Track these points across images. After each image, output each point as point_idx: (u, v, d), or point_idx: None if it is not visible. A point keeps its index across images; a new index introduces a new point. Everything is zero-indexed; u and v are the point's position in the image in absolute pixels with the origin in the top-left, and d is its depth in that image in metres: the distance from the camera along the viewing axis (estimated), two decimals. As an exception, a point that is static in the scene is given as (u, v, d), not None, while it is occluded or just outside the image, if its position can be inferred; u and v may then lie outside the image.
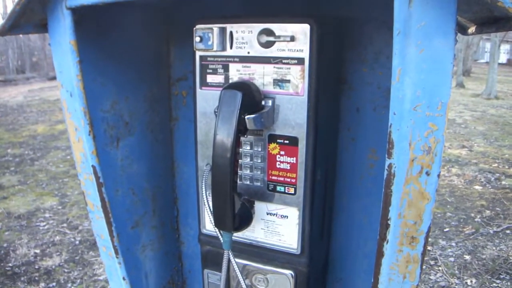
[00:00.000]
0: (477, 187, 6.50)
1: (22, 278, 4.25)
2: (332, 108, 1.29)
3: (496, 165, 7.54)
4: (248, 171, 1.21)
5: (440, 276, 4.29)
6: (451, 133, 9.83)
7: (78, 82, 1.12)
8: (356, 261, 1.46)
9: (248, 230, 1.26)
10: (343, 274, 1.51)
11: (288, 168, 1.15)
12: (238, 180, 1.19)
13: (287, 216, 1.20)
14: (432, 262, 4.43)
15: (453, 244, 4.86)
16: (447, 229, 5.17)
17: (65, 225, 5.38)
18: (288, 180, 1.16)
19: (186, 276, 1.80)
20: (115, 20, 1.31)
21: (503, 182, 6.68)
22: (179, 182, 1.65)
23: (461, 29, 1.12)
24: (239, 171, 1.20)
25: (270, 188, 1.20)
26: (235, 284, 1.34)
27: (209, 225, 1.33)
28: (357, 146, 1.35)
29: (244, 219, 1.19)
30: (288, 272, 1.25)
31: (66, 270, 4.42)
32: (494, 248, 4.76)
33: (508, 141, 9.21)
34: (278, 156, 1.16)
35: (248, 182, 1.22)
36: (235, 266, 1.20)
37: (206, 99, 1.21)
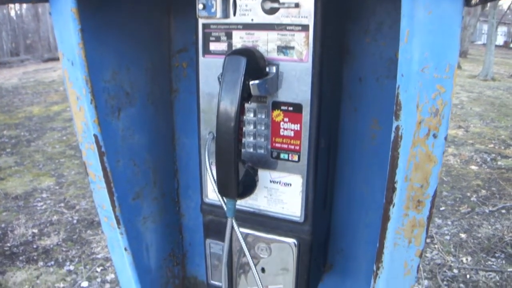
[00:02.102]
0: (473, 167, 6.53)
1: (21, 258, 4.27)
2: (335, 76, 1.29)
3: (492, 145, 7.57)
4: (251, 139, 1.20)
5: (436, 254, 4.33)
6: (448, 114, 9.83)
7: (80, 51, 1.11)
8: (357, 232, 1.47)
9: (251, 198, 1.26)
10: (344, 245, 1.51)
11: (292, 135, 1.15)
12: (242, 148, 1.19)
13: (290, 184, 1.20)
14: (428, 240, 4.46)
15: (449, 222, 4.90)
16: (443, 208, 5.20)
17: (62, 204, 5.39)
18: (292, 147, 1.16)
19: (186, 249, 1.80)
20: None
21: (499, 163, 6.71)
22: (180, 154, 1.64)
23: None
24: (242, 139, 1.19)
25: (273, 156, 1.19)
26: (237, 254, 1.34)
27: (211, 194, 1.32)
28: (359, 116, 1.35)
29: (248, 186, 1.19)
30: (291, 240, 1.25)
31: (64, 249, 4.44)
32: (489, 227, 4.80)
33: (504, 122, 9.23)
34: (282, 123, 1.15)
35: (251, 150, 1.21)
36: (239, 234, 1.20)
37: (209, 67, 1.20)
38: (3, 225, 4.89)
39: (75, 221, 4.98)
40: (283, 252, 1.28)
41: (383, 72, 1.29)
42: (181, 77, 1.56)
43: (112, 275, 4.01)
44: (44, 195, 5.68)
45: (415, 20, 0.82)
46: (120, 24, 1.34)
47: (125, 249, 1.37)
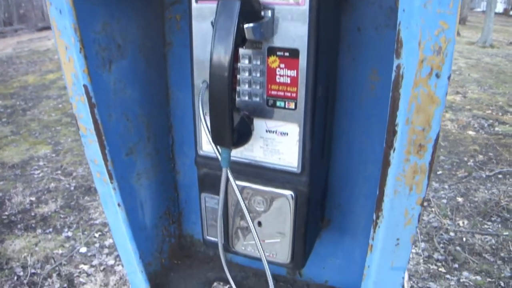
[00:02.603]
0: (470, 132, 6.53)
1: (19, 226, 4.29)
2: (333, 24, 1.23)
3: (489, 111, 7.56)
4: (246, 87, 1.16)
5: (433, 217, 4.36)
6: (446, 80, 9.79)
7: (68, -3, 1.06)
8: (356, 186, 1.44)
9: (247, 149, 1.23)
10: (343, 200, 1.49)
11: (289, 82, 1.10)
12: (236, 96, 1.14)
13: (287, 133, 1.16)
14: (425, 204, 4.48)
15: (446, 186, 4.91)
16: (440, 172, 5.21)
17: (59, 172, 5.40)
18: (289, 94, 1.12)
19: (182, 207, 1.78)
20: None
21: (496, 128, 6.71)
22: (174, 109, 1.60)
23: None
24: (237, 87, 1.15)
25: (269, 104, 1.15)
26: (233, 206, 1.32)
27: (206, 146, 1.29)
28: (358, 66, 1.30)
29: (243, 134, 1.15)
30: (288, 192, 1.22)
31: (62, 216, 4.46)
32: (486, 191, 4.83)
33: (502, 89, 9.20)
34: (278, 69, 1.10)
35: (246, 98, 1.17)
36: (234, 185, 1.17)
37: (202, 13, 1.15)
38: (0, 194, 4.91)
39: (72, 188, 4.99)
40: (280, 205, 1.25)
41: (383, 21, 1.24)
42: (174, 30, 1.51)
43: (111, 240, 4.03)
44: (41, 163, 5.68)
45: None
46: (109, -28, 1.28)
47: (118, 205, 1.34)
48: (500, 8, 30.82)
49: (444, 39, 0.80)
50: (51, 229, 4.25)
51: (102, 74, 1.30)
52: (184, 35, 1.49)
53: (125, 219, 1.37)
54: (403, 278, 1.11)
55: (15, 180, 5.21)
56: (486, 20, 15.38)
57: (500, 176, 5.18)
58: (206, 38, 1.16)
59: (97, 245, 4.00)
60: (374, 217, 1.02)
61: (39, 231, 4.22)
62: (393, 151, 0.91)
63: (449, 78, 0.82)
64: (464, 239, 4.02)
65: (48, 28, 22.84)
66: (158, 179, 1.61)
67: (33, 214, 4.51)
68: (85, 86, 1.17)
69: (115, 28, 1.34)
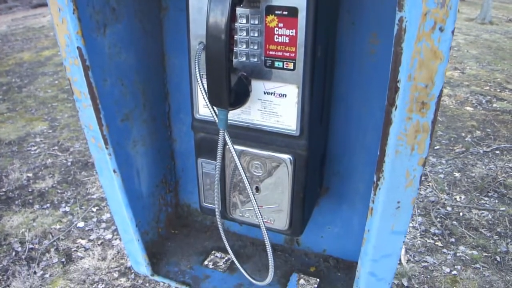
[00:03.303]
0: (468, 108, 6.51)
1: (17, 202, 4.29)
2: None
3: (487, 88, 7.52)
4: (244, 47, 1.12)
5: (430, 192, 4.37)
6: (444, 56, 9.73)
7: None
8: (355, 153, 1.42)
9: (244, 112, 1.20)
10: (341, 167, 1.47)
11: (287, 41, 1.07)
12: (233, 57, 1.12)
13: (285, 95, 1.14)
14: (422, 178, 4.49)
15: (443, 161, 4.91)
16: (437, 147, 5.20)
17: (56, 148, 5.37)
18: (287, 54, 1.09)
19: (179, 176, 1.76)
20: None
21: (494, 105, 6.68)
22: (170, 76, 1.57)
23: None
24: (234, 48, 1.12)
25: (267, 64, 1.12)
26: (230, 172, 1.30)
27: (203, 110, 1.26)
28: (357, 30, 1.27)
29: (240, 95, 1.13)
30: (287, 156, 1.20)
31: (59, 191, 4.46)
32: (483, 167, 4.82)
33: (501, 65, 9.14)
34: (276, 29, 1.07)
35: (244, 59, 1.14)
36: (231, 147, 1.15)
37: (198, -28, 1.11)
38: None
39: (69, 163, 4.97)
40: (278, 169, 1.23)
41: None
42: (170, -7, 1.48)
43: (108, 215, 4.03)
44: (37, 139, 5.65)
45: None
46: None
47: (114, 171, 1.32)
48: (499, -15, 30.51)
49: (448, -10, 0.77)
50: (48, 205, 4.24)
51: (96, 38, 1.26)
52: (181, -1, 1.45)
53: (121, 186, 1.35)
54: (403, 242, 1.10)
55: (12, 157, 5.18)
56: (485, -4, 15.24)
57: (497, 152, 5.17)
58: (203, -1, 1.13)
59: (94, 219, 4.00)
60: (375, 179, 1.00)
61: (36, 206, 4.22)
62: (395, 109, 0.89)
63: (452, 32, 0.79)
64: (461, 213, 4.03)
65: (43, 5, 22.56)
66: (154, 147, 1.59)
67: (30, 190, 4.50)
68: (78, 48, 1.14)
69: (110, -9, 1.30)
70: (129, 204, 1.40)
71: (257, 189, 1.29)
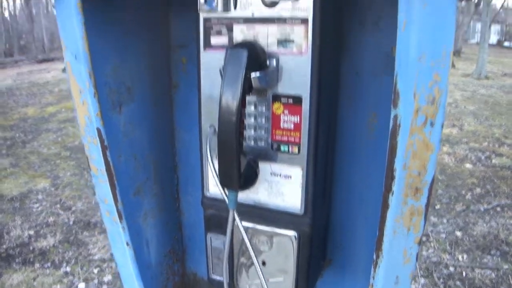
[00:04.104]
0: (467, 165, 6.57)
1: (17, 260, 4.27)
2: (333, 70, 1.30)
3: (486, 144, 7.61)
4: (252, 132, 1.22)
5: (432, 252, 4.35)
6: (442, 113, 9.87)
7: (83, 44, 1.12)
8: (357, 226, 1.48)
9: (252, 191, 1.27)
10: (344, 239, 1.53)
11: (292, 127, 1.16)
12: (242, 141, 1.20)
13: (290, 176, 1.22)
14: (424, 238, 4.49)
15: (444, 221, 4.92)
16: (438, 207, 5.23)
17: (58, 206, 5.39)
18: (292, 139, 1.18)
19: (186, 245, 1.81)
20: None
21: (493, 161, 6.75)
22: (180, 149, 1.66)
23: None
24: (243, 132, 1.21)
25: (274, 148, 1.21)
26: (238, 247, 1.36)
27: (212, 188, 1.34)
28: (357, 110, 1.37)
29: (249, 178, 1.21)
30: (292, 233, 1.27)
31: (60, 251, 4.44)
32: (484, 225, 4.83)
33: (498, 120, 9.29)
34: (282, 115, 1.17)
35: (252, 143, 1.23)
36: (240, 226, 1.22)
37: (210, 61, 1.21)
38: None
39: (71, 223, 4.98)
40: (283, 245, 1.29)
41: (380, 66, 1.31)
42: (180, 72, 1.58)
43: (109, 276, 4.01)
44: (40, 197, 5.67)
45: (412, 12, 0.84)
46: (120, 18, 1.35)
47: (127, 244, 1.38)
48: (494, 39, 31.34)
49: (437, 90, 0.87)
50: (49, 264, 4.22)
51: (112, 116, 1.36)
52: (190, 77, 1.56)
53: (132, 257, 1.41)
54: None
55: (14, 213, 5.20)
56: (480, 52, 15.61)
57: (498, 209, 5.20)
58: (213, 84, 1.23)
59: (95, 281, 3.97)
60: (374, 257, 1.06)
61: (37, 265, 4.19)
62: (392, 195, 0.96)
63: (442, 125, 0.88)
64: (464, 273, 4.02)
65: (48, 60, 23.12)
66: (163, 218, 1.65)
67: (31, 248, 4.49)
68: (98, 129, 1.22)
69: (125, 71, 1.40)
70: (139, 274, 1.45)
71: (264, 263, 1.34)
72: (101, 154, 1.24)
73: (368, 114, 1.35)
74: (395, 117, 0.90)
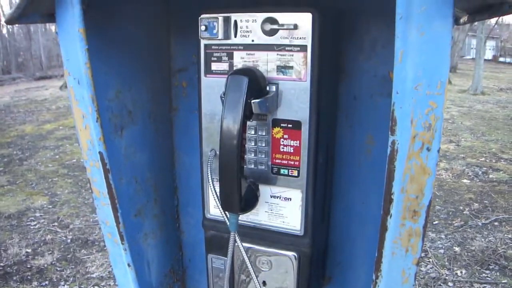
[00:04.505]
0: (465, 180, 6.59)
1: (15, 278, 4.24)
2: (332, 94, 1.34)
3: (483, 159, 7.65)
4: (252, 155, 1.25)
5: (431, 268, 4.35)
6: (439, 129, 9.93)
7: (87, 70, 1.15)
8: (355, 244, 1.51)
9: (252, 213, 1.30)
10: (343, 257, 1.55)
11: (292, 151, 1.20)
12: (243, 164, 1.23)
13: (290, 199, 1.25)
14: (422, 254, 4.49)
15: (443, 236, 4.93)
16: (436, 222, 5.24)
17: (56, 224, 5.37)
18: (292, 163, 1.21)
19: (186, 265, 1.83)
20: (118, 11, 1.35)
21: (491, 176, 6.77)
22: (179, 171, 1.69)
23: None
24: (244, 156, 1.24)
25: (274, 171, 1.24)
26: (239, 268, 1.38)
27: (213, 210, 1.36)
28: (354, 133, 1.40)
29: (250, 201, 1.23)
30: (292, 253, 1.29)
31: (58, 269, 4.42)
32: (483, 239, 4.83)
33: (495, 135, 9.34)
34: (281, 139, 1.20)
35: (252, 166, 1.26)
36: (241, 247, 1.24)
37: (211, 86, 1.25)
38: None
39: (69, 241, 4.96)
40: (283, 265, 1.31)
41: (377, 89, 1.35)
42: (180, 96, 1.61)
43: (108, 295, 4.00)
44: (37, 214, 5.66)
45: (409, 41, 0.88)
46: (122, 44, 1.39)
47: (128, 265, 1.39)
48: (489, 55, 31.57)
49: (433, 116, 0.90)
50: (47, 282, 4.20)
51: (114, 140, 1.38)
52: (190, 101, 1.59)
53: (134, 278, 1.42)
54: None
55: (11, 231, 5.18)
56: (476, 68, 15.74)
57: (496, 223, 5.21)
58: (214, 109, 1.26)
59: None
60: (374, 277, 1.08)
61: (35, 283, 4.17)
62: (390, 217, 0.99)
63: (438, 151, 0.91)
64: None
65: (45, 77, 23.19)
66: (163, 239, 1.67)
67: (29, 266, 4.46)
68: (100, 153, 1.24)
69: (127, 96, 1.44)
70: (141, 295, 1.46)
71: (264, 283, 1.36)
72: (103, 178, 1.26)
73: (365, 137, 1.38)
74: (393, 142, 0.93)
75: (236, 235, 1.23)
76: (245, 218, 1.32)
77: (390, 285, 1.07)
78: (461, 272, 4.27)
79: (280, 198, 1.26)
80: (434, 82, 0.88)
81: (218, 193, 1.20)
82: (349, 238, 1.52)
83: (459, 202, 5.80)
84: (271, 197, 1.27)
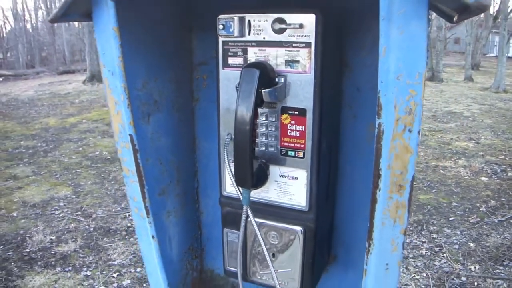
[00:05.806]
0: (483, 178, 6.57)
1: (39, 263, 4.35)
2: (335, 86, 1.49)
3: (502, 157, 7.58)
4: (263, 139, 1.42)
5: (445, 262, 4.35)
6: (459, 126, 9.90)
7: (120, 63, 1.32)
8: (359, 225, 1.63)
9: (263, 191, 1.46)
10: (347, 238, 1.69)
11: (298, 135, 1.36)
12: (255, 147, 1.40)
13: (297, 178, 1.41)
14: (437, 249, 4.53)
15: (458, 232, 4.94)
16: (452, 218, 5.25)
17: (79, 213, 5.50)
18: (298, 145, 1.37)
19: (204, 244, 1.99)
20: (146, 12, 1.52)
21: (509, 174, 6.72)
22: (200, 156, 1.85)
23: (449, 18, 1.28)
24: (256, 139, 1.40)
25: (282, 153, 1.41)
26: (251, 241, 1.54)
27: (229, 188, 1.53)
28: (357, 122, 1.55)
29: (261, 178, 1.41)
30: (298, 228, 1.45)
31: (81, 256, 4.52)
32: (498, 236, 4.83)
33: (516, 133, 9.24)
34: (289, 125, 1.37)
35: (263, 148, 1.43)
36: (253, 220, 1.40)
37: (228, 78, 1.42)
38: (21, 232, 5.00)
39: (91, 229, 5.07)
40: (291, 239, 1.47)
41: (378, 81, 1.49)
42: (201, 87, 1.78)
43: (128, 281, 4.09)
44: (61, 204, 5.79)
45: (390, 38, 1.03)
46: (150, 40, 1.57)
47: (153, 237, 1.55)
48: (512, 52, 31.02)
49: (413, 103, 1.06)
50: (70, 268, 4.30)
51: (141, 125, 1.55)
52: (209, 92, 1.76)
53: (157, 250, 1.58)
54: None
55: (36, 219, 5.31)
56: (498, 65, 15.56)
57: (512, 220, 5.21)
58: (231, 98, 1.43)
59: (115, 285, 4.03)
60: (367, 245, 1.23)
61: (58, 269, 4.27)
62: (379, 191, 1.15)
63: (419, 132, 1.07)
64: (475, 283, 4.00)
65: (68, 72, 23.45)
66: (184, 218, 1.84)
67: (53, 252, 4.57)
68: (130, 135, 1.41)
69: (153, 86, 1.61)
70: (163, 267, 1.62)
71: (274, 255, 1.52)
72: (133, 157, 1.43)
73: (367, 125, 1.52)
74: (379, 125, 1.09)
75: (248, 209, 1.40)
76: (257, 195, 1.48)
77: (381, 252, 1.22)
78: (475, 267, 4.27)
79: (288, 177, 1.42)
80: (413, 73, 1.03)
81: (233, 172, 1.37)
82: (353, 219, 1.66)
83: (476, 199, 5.80)
84: (280, 176, 1.43)
